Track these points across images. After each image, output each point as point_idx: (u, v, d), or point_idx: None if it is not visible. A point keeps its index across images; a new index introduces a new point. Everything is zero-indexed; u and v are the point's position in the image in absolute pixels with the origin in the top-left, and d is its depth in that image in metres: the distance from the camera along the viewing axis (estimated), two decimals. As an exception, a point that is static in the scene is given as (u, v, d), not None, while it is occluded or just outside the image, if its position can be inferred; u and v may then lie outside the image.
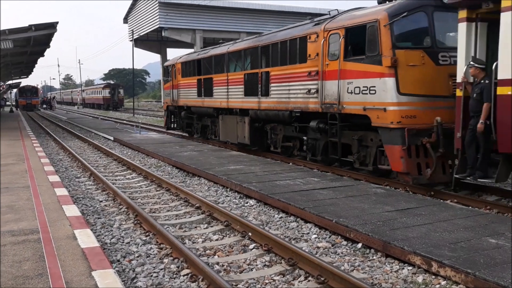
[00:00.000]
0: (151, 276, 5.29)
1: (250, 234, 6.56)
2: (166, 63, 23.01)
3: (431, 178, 8.89)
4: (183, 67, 19.61)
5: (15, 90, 73.79)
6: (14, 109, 59.20)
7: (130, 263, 5.67)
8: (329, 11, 11.85)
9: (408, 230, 6.07)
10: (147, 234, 6.82)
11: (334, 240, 6.40)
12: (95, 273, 4.43)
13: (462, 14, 8.02)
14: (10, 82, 61.01)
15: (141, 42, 47.63)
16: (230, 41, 16.91)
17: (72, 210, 6.90)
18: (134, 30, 45.73)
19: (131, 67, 48.43)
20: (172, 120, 21.80)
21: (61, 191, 8.29)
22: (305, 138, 11.89)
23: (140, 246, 6.30)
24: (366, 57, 9.55)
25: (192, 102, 18.58)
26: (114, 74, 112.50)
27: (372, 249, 5.92)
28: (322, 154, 11.34)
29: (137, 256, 5.90)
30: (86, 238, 5.53)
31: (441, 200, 8.22)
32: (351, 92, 9.93)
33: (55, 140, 20.98)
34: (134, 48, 47.14)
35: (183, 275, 5.28)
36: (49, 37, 22.53)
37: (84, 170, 12.78)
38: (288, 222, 7.30)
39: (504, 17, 7.05)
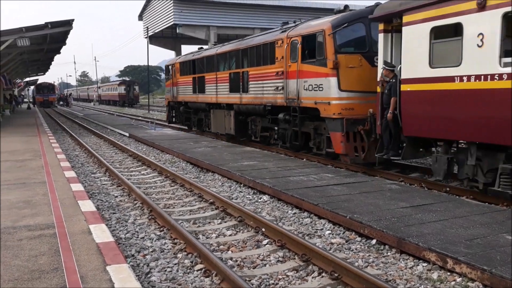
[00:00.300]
0: (165, 271, 5.32)
1: (263, 229, 6.56)
2: (167, 63, 24.85)
3: (365, 159, 10.75)
4: (181, 67, 21.62)
5: (32, 87, 74.74)
6: (31, 106, 59.96)
7: (144, 258, 5.71)
8: (294, 20, 13.76)
9: (423, 226, 6.02)
10: (161, 229, 6.86)
11: (348, 236, 6.37)
12: (110, 267, 4.46)
13: (380, 26, 9.74)
14: (27, 79, 61.79)
15: (156, 39, 47.78)
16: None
17: (87, 205, 6.96)
18: (149, 27, 45.94)
19: (146, 64, 48.64)
20: (173, 115, 23.72)
21: (77, 187, 8.36)
22: (276, 128, 14.06)
23: (155, 241, 6.34)
24: (316, 60, 11.44)
25: (189, 98, 20.66)
26: (130, 71, 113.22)
27: (386, 245, 5.87)
28: (290, 141, 13.12)
29: (151, 251, 5.94)
30: (101, 233, 5.57)
31: (457, 196, 8.14)
32: (307, 89, 11.87)
33: (72, 136, 21.20)
34: (149, 45, 47.42)
35: (197, 270, 5.30)
36: (65, 35, 22.72)
37: (99, 165, 12.89)
38: (302, 218, 7.28)
39: (405, 30, 8.85)
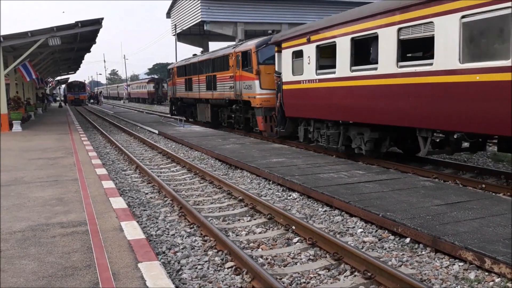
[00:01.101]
0: (196, 268, 5.30)
1: (293, 227, 6.48)
2: (168, 67, 31.78)
3: (276, 133, 15.70)
4: (178, 70, 28.00)
5: (63, 86, 76.29)
6: (62, 104, 61.19)
7: (175, 255, 5.71)
8: (240, 39, 19.19)
9: (459, 224, 5.84)
10: (191, 226, 6.86)
11: (380, 235, 6.23)
12: (141, 265, 4.46)
13: (275, 49, 15.17)
14: (58, 78, 63.11)
15: (184, 36, 48.00)
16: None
17: (118, 202, 7.02)
18: (177, 24, 46.24)
19: (175, 62, 48.96)
20: (174, 108, 29.84)
21: (108, 184, 8.45)
22: (233, 115, 19.65)
23: (185, 238, 6.35)
24: (248, 68, 17.16)
25: (183, 95, 27.03)
26: (158, 69, 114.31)
27: (420, 244, 5.72)
28: (241, 125, 18.90)
29: (182, 248, 5.93)
30: (132, 230, 5.59)
31: (493, 194, 7.88)
32: (245, 88, 17.58)
33: (102, 134, 21.53)
34: (177, 42, 47.70)
35: (227, 268, 5.26)
36: (95, 33, 23.06)
37: (130, 163, 13.03)
38: (333, 216, 7.18)
39: (283, 52, 14.51)
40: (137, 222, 6.20)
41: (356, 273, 5.04)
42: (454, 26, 8.14)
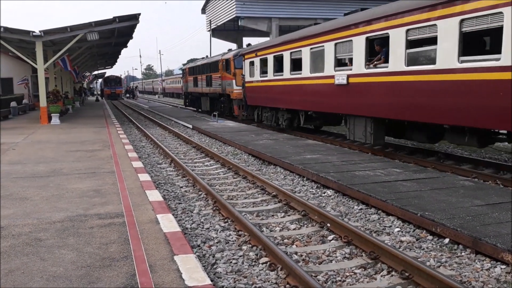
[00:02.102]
0: (231, 262, 5.30)
1: (328, 225, 6.41)
2: (182, 67, 41.68)
3: (245, 117, 21.91)
4: (189, 70, 36.14)
5: (100, 80, 77.83)
6: (99, 98, 62.43)
7: (210, 248, 5.73)
8: (229, 50, 27.99)
9: (501, 226, 5.64)
10: (225, 220, 6.88)
11: (418, 235, 6.08)
12: (177, 257, 4.49)
13: (243, 58, 21.21)
14: (95, 72, 64.40)
15: (218, 32, 48.16)
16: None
17: (154, 195, 7.08)
18: (211, 20, 46.46)
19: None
20: (187, 101, 38.18)
21: (144, 177, 8.55)
22: (222, 105, 26.74)
23: (219, 232, 6.36)
24: (229, 71, 24.03)
25: (192, 90, 34.94)
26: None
27: (460, 245, 5.56)
28: (227, 112, 25.85)
29: (217, 242, 5.95)
30: (168, 223, 5.63)
31: (537, 195, 7.59)
32: (227, 85, 24.76)
33: (138, 128, 21.85)
34: (212, 38, 47.94)
35: (262, 263, 5.24)
36: (131, 29, 23.36)
37: (165, 156, 13.17)
38: (369, 214, 7.06)
39: (245, 61, 20.98)
40: (173, 215, 6.23)
41: (393, 273, 4.94)
42: (308, 53, 14.69)
